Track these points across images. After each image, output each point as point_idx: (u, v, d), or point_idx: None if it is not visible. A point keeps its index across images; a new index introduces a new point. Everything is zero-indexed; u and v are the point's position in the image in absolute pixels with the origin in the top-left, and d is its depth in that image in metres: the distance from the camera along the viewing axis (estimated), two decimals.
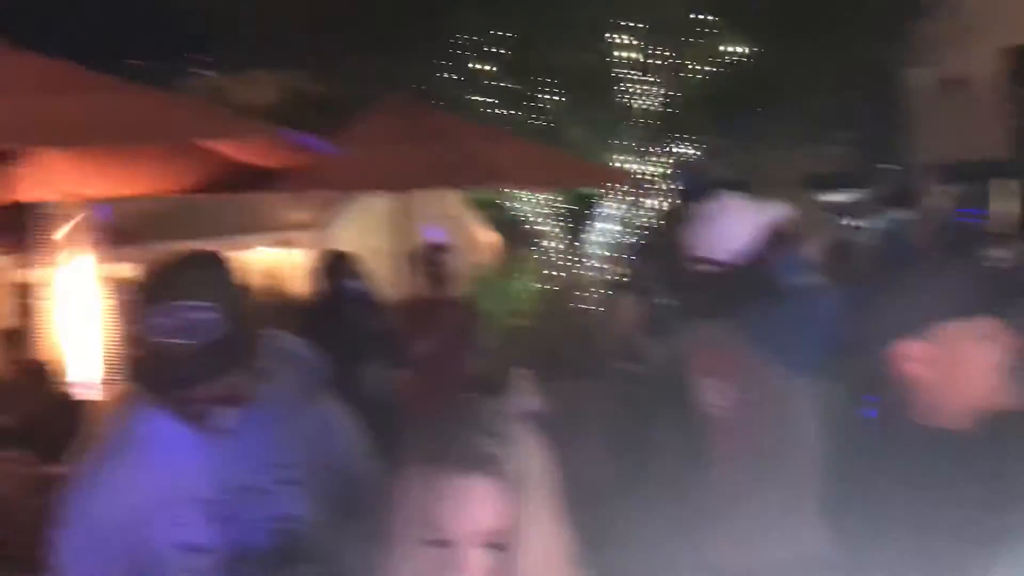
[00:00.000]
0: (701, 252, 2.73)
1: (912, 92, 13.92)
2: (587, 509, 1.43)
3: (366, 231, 8.31)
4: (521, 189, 9.53)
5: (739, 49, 9.86)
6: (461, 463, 1.12)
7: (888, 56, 10.81)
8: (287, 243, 8.54)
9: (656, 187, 10.39)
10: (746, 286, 2.62)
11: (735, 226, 2.67)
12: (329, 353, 1.91)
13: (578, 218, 10.28)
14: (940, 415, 1.62)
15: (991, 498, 1.53)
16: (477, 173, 6.84)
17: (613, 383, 5.87)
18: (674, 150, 10.41)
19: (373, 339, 5.48)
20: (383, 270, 6.78)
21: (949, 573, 1.51)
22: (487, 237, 9.87)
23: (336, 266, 5.86)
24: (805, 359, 2.59)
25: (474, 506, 1.10)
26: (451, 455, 1.14)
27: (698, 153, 10.63)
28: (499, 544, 1.11)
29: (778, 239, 2.75)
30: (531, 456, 1.19)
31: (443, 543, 1.11)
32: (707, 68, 9.93)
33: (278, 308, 6.22)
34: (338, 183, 6.64)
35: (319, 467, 1.75)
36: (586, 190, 9.98)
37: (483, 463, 1.14)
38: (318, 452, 1.76)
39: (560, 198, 10.23)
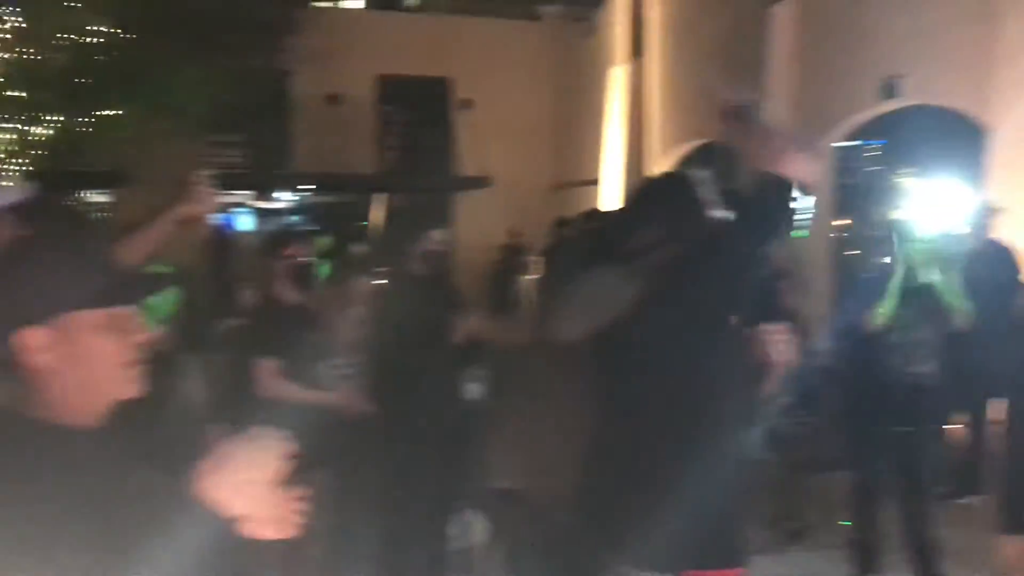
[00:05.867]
0: None
1: (299, 103, 14.37)
2: None
3: None
4: None
5: (102, 29, 8.80)
6: None
7: (269, 64, 11.60)
8: None
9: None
10: None
11: None
12: None
13: None
14: (64, 410, 1.46)
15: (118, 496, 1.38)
16: None
17: None
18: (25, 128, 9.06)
19: None
20: None
21: None
22: None
23: None
24: None
25: None
26: None
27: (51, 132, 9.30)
28: None
29: None
30: None
31: None
32: (64, 44, 8.63)
33: None
34: None
35: None
36: None
37: None
38: None
39: None
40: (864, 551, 4.63)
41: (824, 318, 5.92)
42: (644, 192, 2.45)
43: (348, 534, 4.66)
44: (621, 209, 2.39)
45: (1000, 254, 5.49)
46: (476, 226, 14.09)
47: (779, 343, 2.17)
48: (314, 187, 14.83)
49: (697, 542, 2.01)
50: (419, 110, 15.79)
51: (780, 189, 2.20)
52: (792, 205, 2.21)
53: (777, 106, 9.96)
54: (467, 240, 13.78)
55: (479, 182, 14.11)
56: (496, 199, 14.00)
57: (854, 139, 12.06)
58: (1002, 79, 7.12)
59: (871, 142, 15.60)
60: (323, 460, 4.20)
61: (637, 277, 2.12)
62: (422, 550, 4.39)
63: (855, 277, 4.87)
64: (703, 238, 2.17)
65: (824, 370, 4.93)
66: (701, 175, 2.33)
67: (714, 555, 2.05)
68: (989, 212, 5.97)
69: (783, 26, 9.93)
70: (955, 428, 5.91)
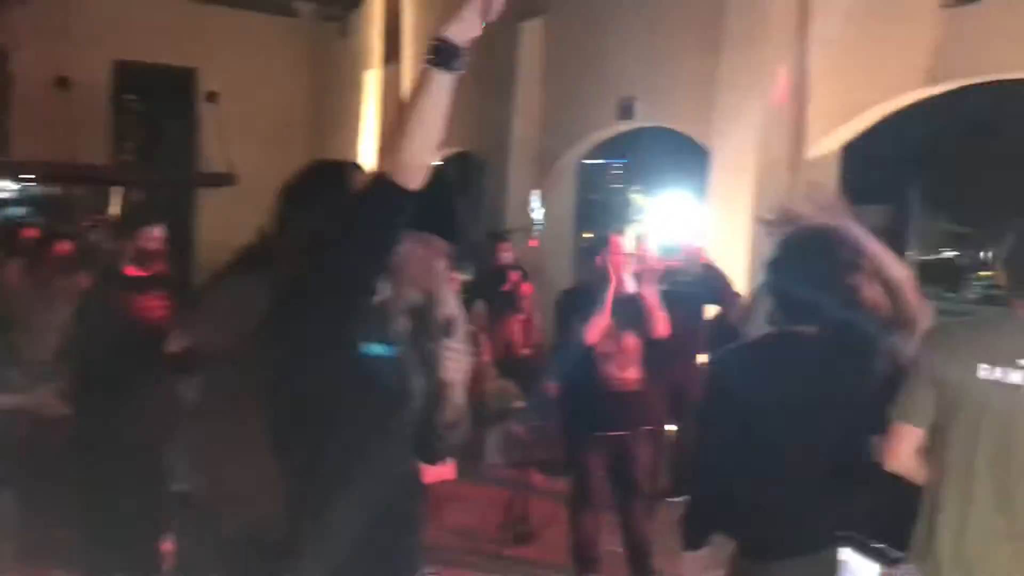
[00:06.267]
0: None
1: (22, 85, 13.18)
2: None
3: None
4: None
5: None
6: None
7: None
8: None
9: None
10: None
11: None
12: None
13: None
14: None
15: None
16: None
17: None
18: None
19: None
20: None
21: None
22: None
23: None
24: None
25: None
26: None
27: None
28: None
29: None
30: None
31: None
32: None
33: None
34: None
35: None
36: None
37: None
38: None
39: None
40: (583, 552, 4.80)
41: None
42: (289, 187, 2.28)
43: (40, 557, 4.24)
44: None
45: (709, 271, 5.90)
46: (220, 224, 13.45)
47: (454, 361, 2.08)
48: (37, 177, 13.57)
49: (360, 558, 1.93)
50: (161, 100, 14.89)
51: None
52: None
53: (525, 121, 10.24)
54: (210, 239, 13.13)
55: (224, 179, 13.48)
56: (243, 197, 13.43)
57: (598, 156, 12.66)
58: (722, 106, 7.69)
59: (614, 160, 16.45)
60: (8, 476, 3.80)
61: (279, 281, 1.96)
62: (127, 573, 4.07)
63: (578, 288, 5.06)
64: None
65: (555, 376, 5.08)
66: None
67: (378, 568, 1.99)
68: (703, 230, 6.41)
69: (530, 43, 10.22)
70: (672, 431, 6.29)
